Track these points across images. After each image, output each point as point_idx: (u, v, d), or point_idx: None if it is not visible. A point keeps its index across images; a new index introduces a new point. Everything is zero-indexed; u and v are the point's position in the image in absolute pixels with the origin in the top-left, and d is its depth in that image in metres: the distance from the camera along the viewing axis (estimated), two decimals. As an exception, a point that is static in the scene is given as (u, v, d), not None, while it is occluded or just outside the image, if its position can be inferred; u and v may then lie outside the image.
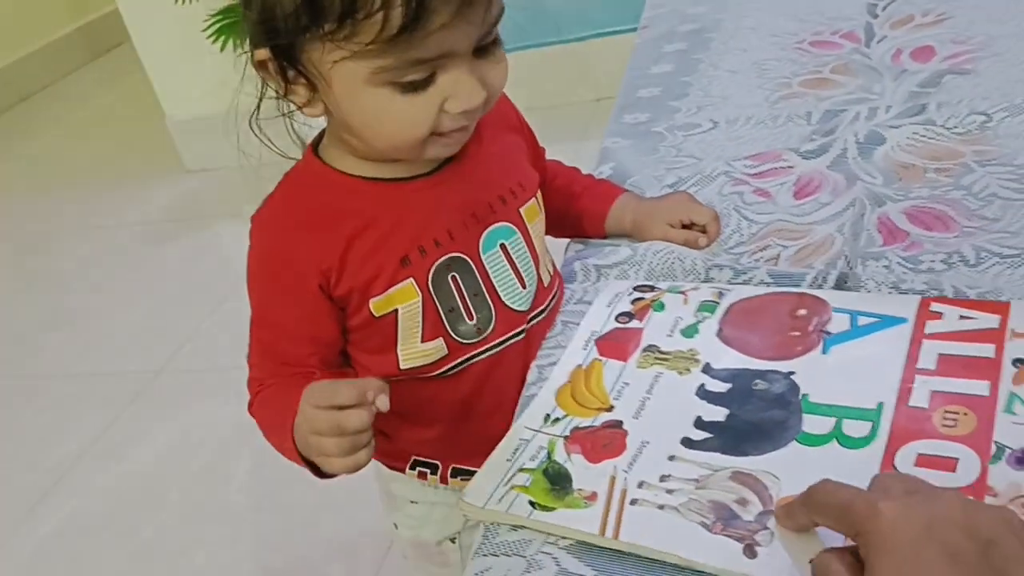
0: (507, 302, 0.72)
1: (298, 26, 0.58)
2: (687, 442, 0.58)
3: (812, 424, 0.57)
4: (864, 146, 0.86)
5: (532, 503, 0.56)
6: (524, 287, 0.73)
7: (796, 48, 1.12)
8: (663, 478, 0.55)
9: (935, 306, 0.63)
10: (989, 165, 0.79)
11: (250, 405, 0.73)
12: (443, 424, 0.76)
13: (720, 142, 0.95)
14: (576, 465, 0.58)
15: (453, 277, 0.69)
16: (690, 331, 0.67)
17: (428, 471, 0.80)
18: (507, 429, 0.70)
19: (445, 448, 0.78)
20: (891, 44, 1.05)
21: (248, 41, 0.63)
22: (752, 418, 0.58)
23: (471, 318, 0.71)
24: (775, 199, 0.82)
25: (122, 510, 1.66)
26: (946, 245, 0.70)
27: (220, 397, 1.89)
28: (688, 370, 0.63)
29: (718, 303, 0.69)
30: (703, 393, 0.61)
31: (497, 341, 0.72)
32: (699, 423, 0.59)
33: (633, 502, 0.54)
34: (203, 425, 1.83)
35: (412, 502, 0.83)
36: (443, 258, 0.69)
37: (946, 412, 0.55)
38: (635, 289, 0.72)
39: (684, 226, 0.78)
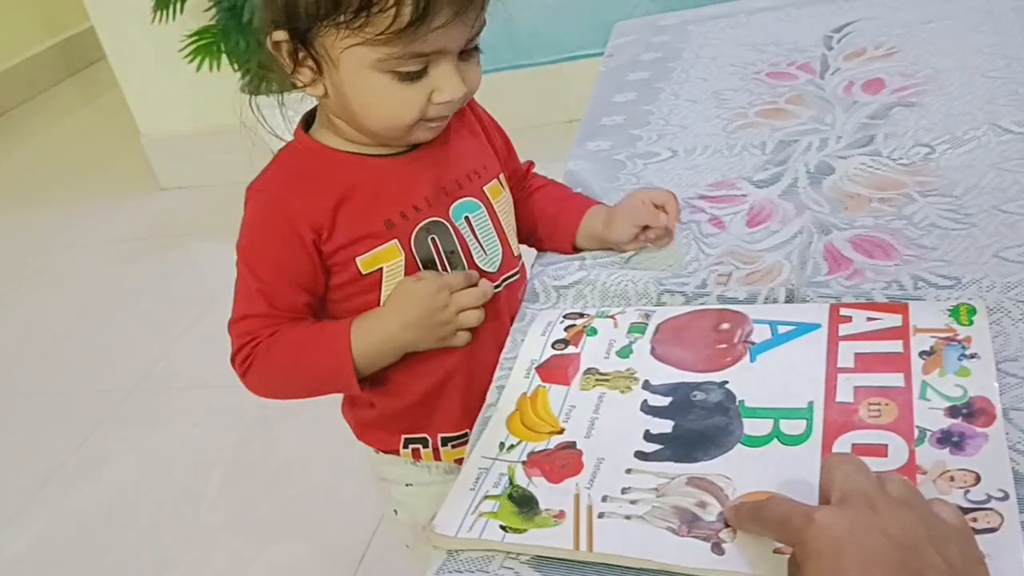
0: (478, 262, 0.82)
1: (318, 14, 0.68)
2: (640, 455, 0.61)
3: (752, 427, 0.61)
4: (814, 176, 0.90)
5: (503, 527, 0.58)
6: (486, 254, 0.83)
7: (754, 78, 1.16)
8: (624, 490, 0.58)
9: (844, 311, 0.69)
10: (930, 196, 0.82)
11: (244, 356, 0.78)
12: (425, 383, 0.82)
13: (678, 171, 0.98)
14: (539, 487, 0.60)
15: (432, 239, 0.79)
16: (625, 352, 0.70)
17: (420, 446, 0.86)
18: (483, 385, 0.75)
19: (430, 413, 0.84)
20: (844, 76, 1.10)
21: (266, 22, 0.73)
22: (696, 427, 0.62)
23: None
24: (729, 229, 0.85)
25: (94, 531, 1.67)
26: (886, 273, 0.74)
27: (192, 416, 1.90)
28: (629, 388, 0.67)
29: (646, 324, 0.73)
30: (647, 408, 0.65)
31: None
32: (648, 436, 0.62)
33: (600, 515, 0.57)
34: (175, 444, 1.84)
35: (407, 485, 0.89)
36: (423, 222, 0.78)
37: (870, 404, 0.61)
38: (565, 317, 0.76)
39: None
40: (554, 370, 0.70)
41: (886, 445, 0.57)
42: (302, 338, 0.78)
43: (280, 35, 0.71)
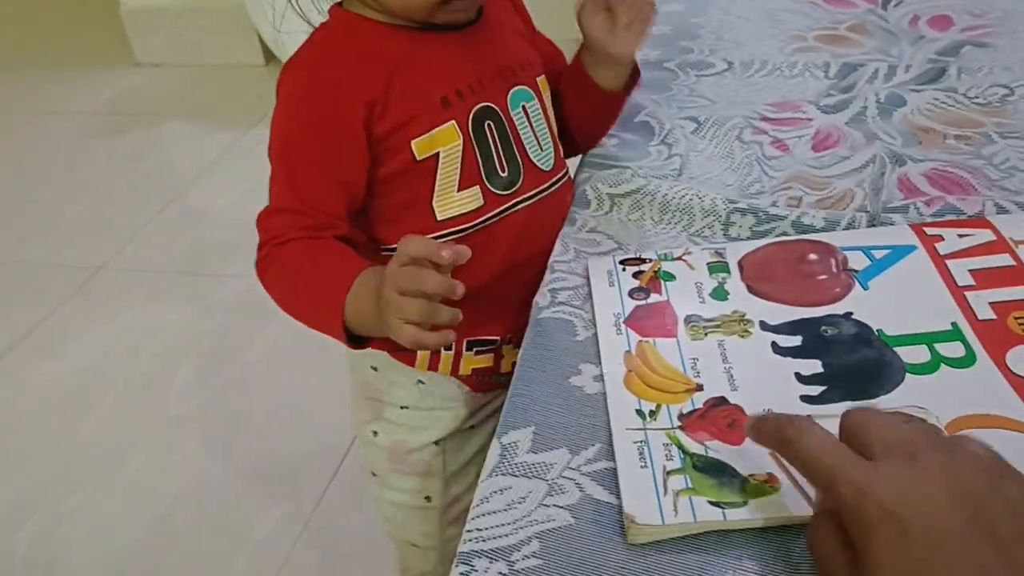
0: (533, 159, 0.75)
1: None
2: (808, 399, 0.55)
3: (908, 355, 0.57)
4: (884, 106, 0.85)
5: (713, 503, 0.50)
6: (542, 149, 0.76)
7: (809, 2, 1.10)
8: None
9: (929, 230, 0.66)
10: (1010, 138, 0.78)
11: (264, 257, 0.70)
12: (472, 284, 0.71)
13: (734, 86, 0.93)
14: (721, 452, 0.53)
15: (489, 125, 0.71)
16: (719, 294, 0.64)
17: (441, 351, 0.79)
18: (527, 293, 0.69)
19: (468, 313, 0.73)
20: (908, 9, 1.04)
21: None
22: (849, 362, 0.57)
23: (504, 170, 0.73)
24: (793, 152, 0.80)
25: (55, 408, 1.60)
26: (969, 203, 0.70)
27: (163, 301, 1.83)
28: (747, 332, 0.61)
29: (726, 261, 0.67)
30: (780, 350, 0.59)
31: (525, 196, 0.74)
32: (802, 379, 0.57)
33: None
34: (144, 328, 1.77)
35: (403, 408, 0.82)
36: (479, 104, 0.71)
37: (1016, 318, 0.58)
38: (622, 263, 0.68)
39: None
40: (646, 322, 0.63)
41: None
42: (312, 267, 0.67)
43: None
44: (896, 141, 0.80)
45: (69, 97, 2.70)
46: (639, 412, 0.56)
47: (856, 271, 0.64)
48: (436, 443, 0.83)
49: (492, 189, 0.72)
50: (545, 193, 0.76)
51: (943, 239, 0.65)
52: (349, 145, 0.68)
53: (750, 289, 0.64)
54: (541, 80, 0.77)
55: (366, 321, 0.63)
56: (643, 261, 0.68)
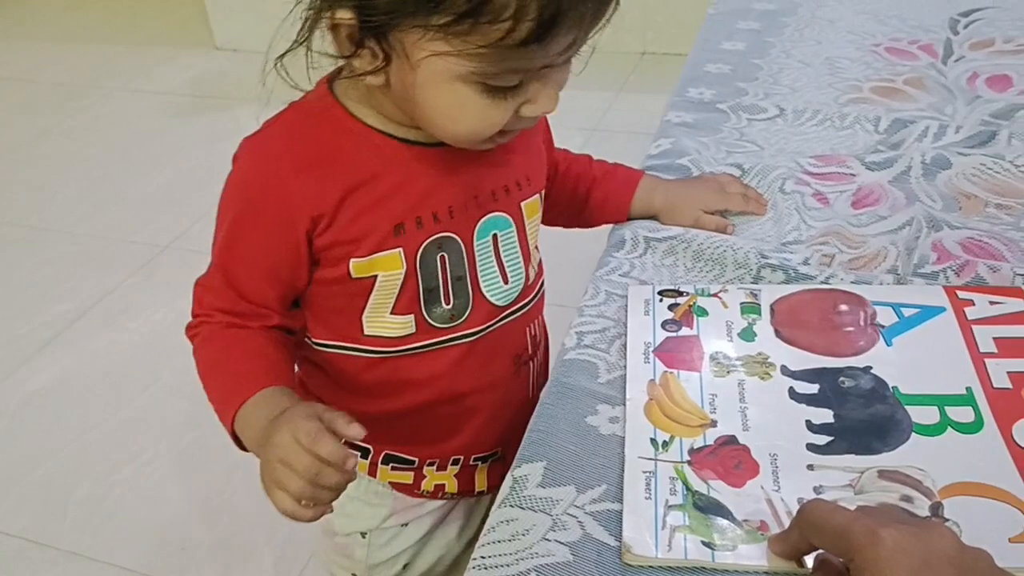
0: (487, 294, 0.70)
1: (405, 10, 0.54)
2: (814, 448, 0.58)
3: (918, 415, 0.59)
4: (929, 167, 0.86)
5: (706, 544, 0.53)
6: (506, 283, 0.71)
7: (871, 51, 1.11)
8: (817, 490, 0.55)
9: (961, 294, 0.68)
10: (1053, 212, 0.79)
11: (193, 327, 0.69)
12: (393, 404, 0.72)
13: (784, 134, 0.94)
14: (722, 493, 0.55)
15: (442, 256, 0.67)
16: (747, 335, 0.67)
17: (358, 455, 0.74)
18: (469, 420, 0.71)
19: (387, 430, 0.74)
20: (968, 66, 1.05)
21: None
22: (860, 416, 0.60)
23: (448, 302, 0.69)
24: (833, 206, 0.82)
25: (114, 379, 1.68)
26: (1001, 271, 0.72)
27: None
28: (768, 374, 0.63)
29: (758, 304, 0.70)
30: (796, 396, 0.62)
31: (468, 331, 0.70)
32: (812, 427, 0.59)
33: None
34: (203, 309, 1.83)
35: None
36: (437, 235, 0.66)
37: None
38: (661, 294, 0.71)
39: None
40: (675, 354, 0.66)
41: None
42: (220, 368, 0.66)
43: (345, 17, 0.56)
44: (936, 204, 0.81)
45: (147, 75, 2.80)
46: (653, 441, 0.59)
47: (883, 326, 0.66)
48: (362, 535, 0.80)
49: (429, 320, 0.68)
50: (492, 328, 0.71)
51: (974, 304, 0.66)
52: (289, 248, 0.65)
53: (778, 333, 0.67)
54: (529, 204, 0.72)
55: (251, 446, 0.62)
56: (680, 294, 0.71)
